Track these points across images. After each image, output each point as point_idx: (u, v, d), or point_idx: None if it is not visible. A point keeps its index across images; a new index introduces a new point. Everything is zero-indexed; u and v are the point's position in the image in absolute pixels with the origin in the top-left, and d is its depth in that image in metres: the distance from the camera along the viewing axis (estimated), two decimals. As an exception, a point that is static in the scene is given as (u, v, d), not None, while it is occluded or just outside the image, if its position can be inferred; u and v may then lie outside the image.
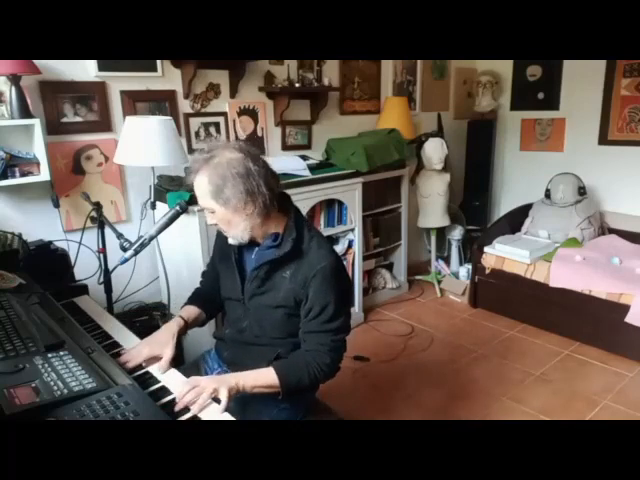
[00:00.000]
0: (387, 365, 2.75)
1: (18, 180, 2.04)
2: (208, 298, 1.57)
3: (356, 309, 3.22)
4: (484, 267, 3.33)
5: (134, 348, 1.32)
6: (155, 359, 1.30)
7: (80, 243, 2.04)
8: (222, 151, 1.26)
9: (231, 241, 1.36)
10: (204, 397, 1.11)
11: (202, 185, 1.26)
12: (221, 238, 1.51)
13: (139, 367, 1.28)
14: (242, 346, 1.44)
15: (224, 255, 1.48)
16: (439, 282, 3.81)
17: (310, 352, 1.31)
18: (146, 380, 1.22)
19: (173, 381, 1.22)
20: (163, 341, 1.34)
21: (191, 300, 1.57)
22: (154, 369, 1.27)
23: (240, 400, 1.36)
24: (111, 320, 1.54)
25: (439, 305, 3.57)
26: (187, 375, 1.24)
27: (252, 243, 1.39)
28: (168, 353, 1.30)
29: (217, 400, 1.14)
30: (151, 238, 1.62)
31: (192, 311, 1.52)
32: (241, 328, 1.44)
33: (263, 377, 1.26)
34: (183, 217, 1.67)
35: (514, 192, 4.22)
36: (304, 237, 1.34)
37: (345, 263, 3.09)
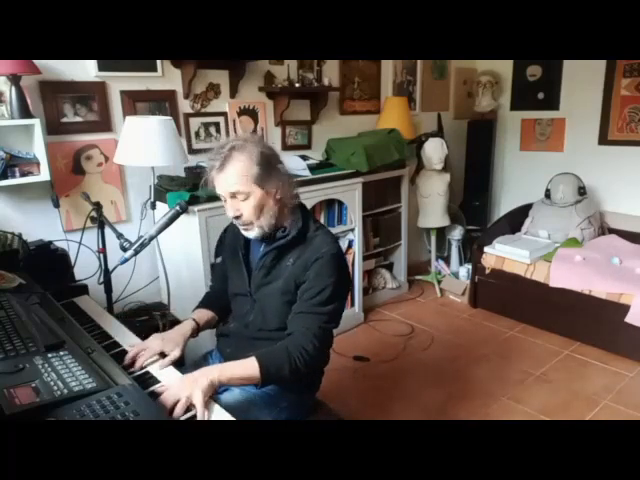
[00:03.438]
0: (387, 365, 2.74)
1: (18, 180, 2.04)
2: (219, 301, 1.59)
3: (356, 309, 3.22)
4: (484, 267, 3.33)
5: (146, 342, 1.34)
6: (160, 354, 1.32)
7: (80, 243, 2.04)
8: (253, 139, 1.32)
9: (253, 234, 1.35)
10: (178, 413, 1.05)
11: (242, 167, 1.27)
12: (228, 237, 1.54)
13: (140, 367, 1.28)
14: (245, 341, 1.45)
15: (233, 252, 1.50)
16: (439, 282, 3.81)
17: (293, 336, 1.27)
18: (146, 380, 1.22)
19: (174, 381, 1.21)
20: (175, 340, 1.37)
21: (202, 303, 1.60)
22: (154, 367, 1.27)
23: (241, 400, 1.36)
24: (111, 320, 1.54)
25: (439, 305, 3.57)
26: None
27: (261, 238, 1.42)
28: (175, 354, 1.33)
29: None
30: (151, 238, 1.62)
31: (204, 313, 1.55)
32: (246, 322, 1.45)
33: (242, 367, 1.21)
34: (183, 217, 1.67)
35: (514, 192, 4.22)
36: (310, 227, 1.38)
37: (345, 263, 3.09)
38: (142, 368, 1.27)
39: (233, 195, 1.30)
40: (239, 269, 1.47)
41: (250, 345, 1.41)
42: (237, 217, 1.33)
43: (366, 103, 3.56)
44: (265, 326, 1.41)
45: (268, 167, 1.30)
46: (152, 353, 1.30)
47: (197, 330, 1.48)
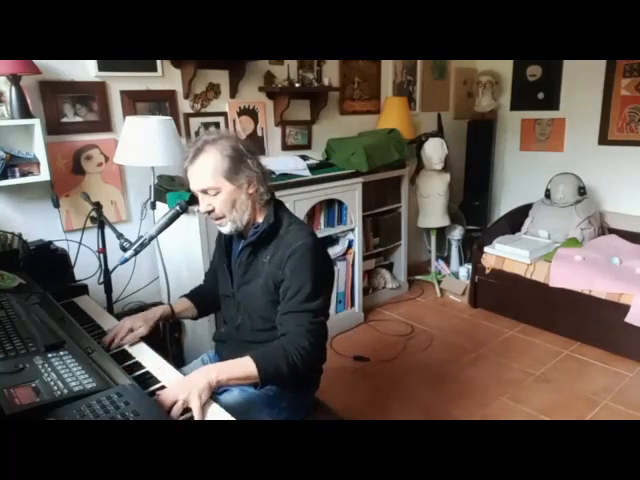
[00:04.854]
0: (387, 365, 2.74)
1: (18, 180, 2.04)
2: (204, 295, 1.62)
3: (356, 309, 3.23)
4: (484, 267, 3.33)
5: (117, 324, 1.44)
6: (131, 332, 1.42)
7: (80, 243, 2.04)
8: (226, 135, 1.33)
9: (227, 229, 1.37)
10: (175, 415, 1.05)
11: (211, 162, 1.29)
12: (217, 236, 1.55)
13: (139, 367, 1.28)
14: (239, 344, 1.45)
15: (219, 252, 1.52)
16: (439, 282, 3.81)
17: (287, 335, 1.26)
18: (146, 380, 1.22)
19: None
20: (144, 318, 1.46)
21: (188, 294, 1.64)
22: (125, 341, 1.39)
23: (241, 400, 1.36)
24: (111, 320, 1.54)
25: (439, 305, 3.57)
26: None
27: (240, 236, 1.44)
28: (142, 330, 1.42)
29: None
30: (151, 238, 1.62)
31: (183, 303, 1.59)
32: (236, 325, 1.46)
33: (241, 367, 1.19)
34: (183, 217, 1.67)
35: (514, 192, 4.22)
36: (283, 222, 1.38)
37: (345, 263, 3.09)
38: (119, 347, 1.37)
39: (204, 191, 1.32)
40: (223, 269, 1.49)
41: (244, 348, 1.40)
42: (209, 212, 1.35)
43: (366, 103, 3.56)
44: (255, 327, 1.41)
45: (239, 161, 1.30)
46: (125, 331, 1.40)
47: (171, 315, 1.54)
